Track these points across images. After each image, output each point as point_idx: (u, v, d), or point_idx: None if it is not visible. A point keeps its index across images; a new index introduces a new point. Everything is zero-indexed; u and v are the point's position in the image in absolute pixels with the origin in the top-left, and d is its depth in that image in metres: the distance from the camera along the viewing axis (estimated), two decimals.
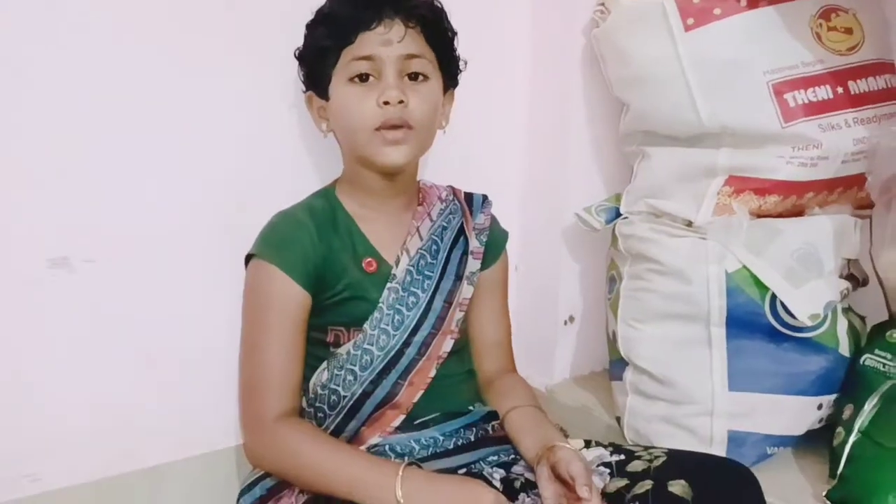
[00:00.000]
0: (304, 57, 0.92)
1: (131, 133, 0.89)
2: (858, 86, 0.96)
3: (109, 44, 0.86)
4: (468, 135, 1.05)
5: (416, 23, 0.87)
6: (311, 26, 0.90)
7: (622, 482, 0.79)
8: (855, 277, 1.02)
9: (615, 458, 0.83)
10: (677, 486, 0.76)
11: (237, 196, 0.97)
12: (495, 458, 0.87)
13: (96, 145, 0.87)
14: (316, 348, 0.89)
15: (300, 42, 0.91)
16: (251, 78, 0.96)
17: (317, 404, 0.87)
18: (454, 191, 1.00)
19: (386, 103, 0.84)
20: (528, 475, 0.83)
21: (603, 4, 1.08)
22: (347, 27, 0.86)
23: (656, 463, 0.80)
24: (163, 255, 0.93)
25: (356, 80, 0.86)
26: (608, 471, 0.82)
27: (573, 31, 1.14)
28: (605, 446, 0.87)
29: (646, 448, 0.85)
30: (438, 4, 0.92)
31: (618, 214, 1.10)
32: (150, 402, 0.94)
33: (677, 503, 0.74)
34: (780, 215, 0.99)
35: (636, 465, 0.81)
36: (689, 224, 1.00)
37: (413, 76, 0.87)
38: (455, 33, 0.94)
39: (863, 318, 1.04)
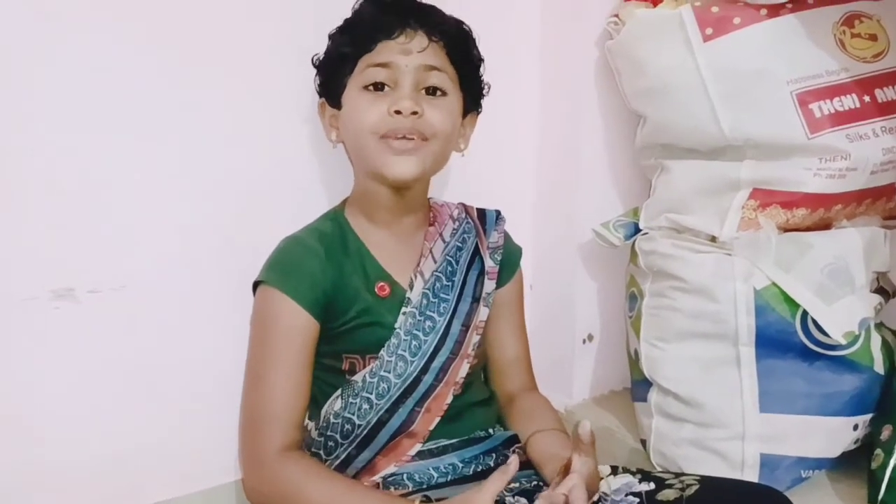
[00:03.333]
0: (321, 64, 0.90)
1: (134, 158, 0.87)
2: (886, 93, 0.93)
3: (109, 61, 0.84)
4: (479, 150, 1.02)
5: (439, 37, 0.85)
6: (333, 34, 0.89)
7: None
8: (885, 291, 0.99)
9: (644, 486, 0.80)
10: None
11: (244, 222, 0.94)
12: (517, 485, 0.83)
13: (97, 170, 0.85)
14: (329, 375, 0.86)
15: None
16: (260, 91, 0.94)
17: (328, 433, 0.84)
18: (466, 208, 0.98)
19: (398, 112, 0.81)
20: None
21: (617, 16, 1.06)
22: (368, 34, 0.84)
23: (689, 492, 0.77)
24: (164, 287, 0.90)
25: (370, 87, 0.84)
26: (637, 500, 0.78)
27: (585, 44, 1.12)
28: (632, 473, 0.83)
29: (677, 475, 0.82)
30: (466, 27, 0.90)
31: (637, 230, 1.07)
32: (150, 437, 0.92)
33: None
34: (807, 229, 0.96)
35: (667, 494, 0.78)
36: (713, 239, 0.97)
37: (431, 91, 0.85)
38: (482, 60, 0.91)
39: (895, 333, 1.01)
